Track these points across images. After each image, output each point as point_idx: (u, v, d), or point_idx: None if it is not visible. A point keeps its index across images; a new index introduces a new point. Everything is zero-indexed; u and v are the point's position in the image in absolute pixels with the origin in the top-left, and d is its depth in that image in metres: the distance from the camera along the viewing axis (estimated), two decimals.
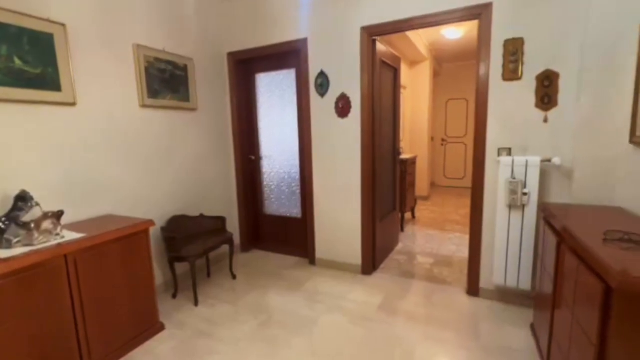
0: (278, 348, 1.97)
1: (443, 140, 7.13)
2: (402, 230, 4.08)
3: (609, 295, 1.01)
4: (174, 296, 2.57)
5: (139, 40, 2.42)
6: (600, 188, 1.92)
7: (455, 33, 4.55)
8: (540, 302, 1.86)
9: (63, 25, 1.95)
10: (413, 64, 5.75)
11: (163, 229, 2.57)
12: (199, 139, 3.03)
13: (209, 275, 2.97)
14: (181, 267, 2.69)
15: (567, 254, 1.40)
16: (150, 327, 2.09)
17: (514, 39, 2.14)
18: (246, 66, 3.35)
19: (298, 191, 3.34)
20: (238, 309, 2.42)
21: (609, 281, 0.99)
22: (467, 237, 2.60)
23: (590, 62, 1.90)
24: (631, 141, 1.69)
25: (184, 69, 2.81)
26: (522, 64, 2.14)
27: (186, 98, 2.85)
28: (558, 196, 2.14)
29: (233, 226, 3.46)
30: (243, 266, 3.17)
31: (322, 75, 2.82)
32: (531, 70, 2.12)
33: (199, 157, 3.04)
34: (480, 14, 2.22)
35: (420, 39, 4.90)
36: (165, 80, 2.64)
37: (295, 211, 3.41)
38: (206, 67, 3.08)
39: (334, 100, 2.80)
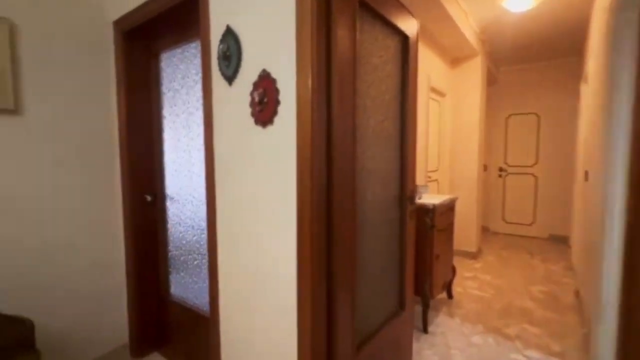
0: None
1: (501, 169, 5.18)
2: (426, 331, 2.31)
3: None
4: None
5: None
6: None
7: (522, 2, 2.84)
8: None
9: None
10: (456, 61, 4.06)
11: None
12: (21, 166, 1.68)
13: None
14: None
15: None
16: None
17: None
18: (142, 41, 1.99)
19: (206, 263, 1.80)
20: None
21: None
22: None
23: None
24: None
25: None
26: None
27: None
28: None
29: (117, 313, 2.01)
30: None
31: (228, 35, 1.33)
32: None
33: (29, 197, 1.68)
34: None
35: (466, 18, 3.25)
36: None
37: (202, 301, 1.86)
38: (59, 41, 1.77)
39: (249, 87, 1.29)
